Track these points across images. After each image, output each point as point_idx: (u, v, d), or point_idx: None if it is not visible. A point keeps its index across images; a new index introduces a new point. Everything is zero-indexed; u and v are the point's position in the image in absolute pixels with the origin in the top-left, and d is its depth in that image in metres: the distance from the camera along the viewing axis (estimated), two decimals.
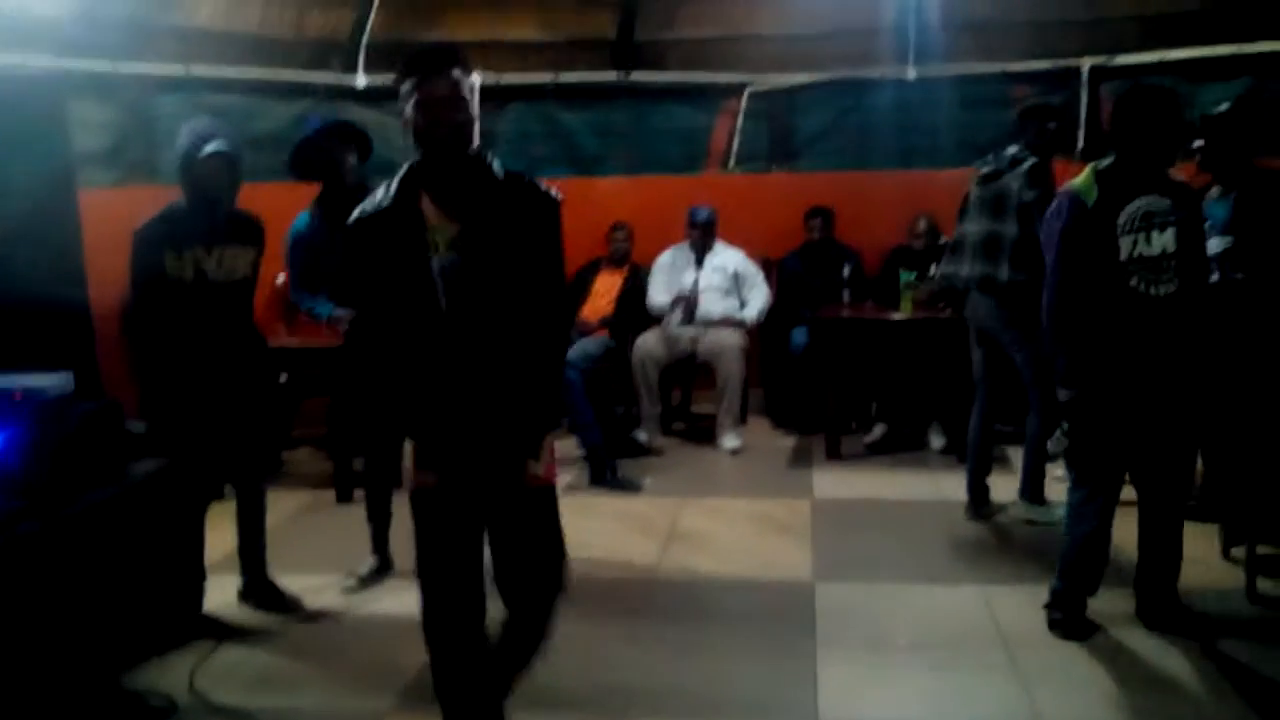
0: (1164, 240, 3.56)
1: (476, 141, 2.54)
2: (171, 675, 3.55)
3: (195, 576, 4.00)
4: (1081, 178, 3.67)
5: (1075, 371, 3.69)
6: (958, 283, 5.15)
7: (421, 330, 2.52)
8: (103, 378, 3.98)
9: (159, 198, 3.93)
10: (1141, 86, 3.82)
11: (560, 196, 2.60)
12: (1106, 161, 3.67)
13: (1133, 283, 3.57)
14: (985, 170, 5.07)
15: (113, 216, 4.23)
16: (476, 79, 2.53)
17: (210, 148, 3.80)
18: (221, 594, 4.14)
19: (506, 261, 2.51)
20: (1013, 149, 4.99)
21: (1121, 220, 3.57)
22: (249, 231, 4.01)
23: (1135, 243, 3.56)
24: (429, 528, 2.64)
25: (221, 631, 3.93)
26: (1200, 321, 3.67)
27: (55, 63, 6.21)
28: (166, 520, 3.58)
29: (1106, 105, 7.45)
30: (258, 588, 4.17)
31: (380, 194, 2.56)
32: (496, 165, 2.57)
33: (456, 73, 2.47)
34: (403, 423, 2.61)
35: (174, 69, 7.07)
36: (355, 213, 2.59)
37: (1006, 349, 4.93)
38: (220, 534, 4.18)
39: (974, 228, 5.05)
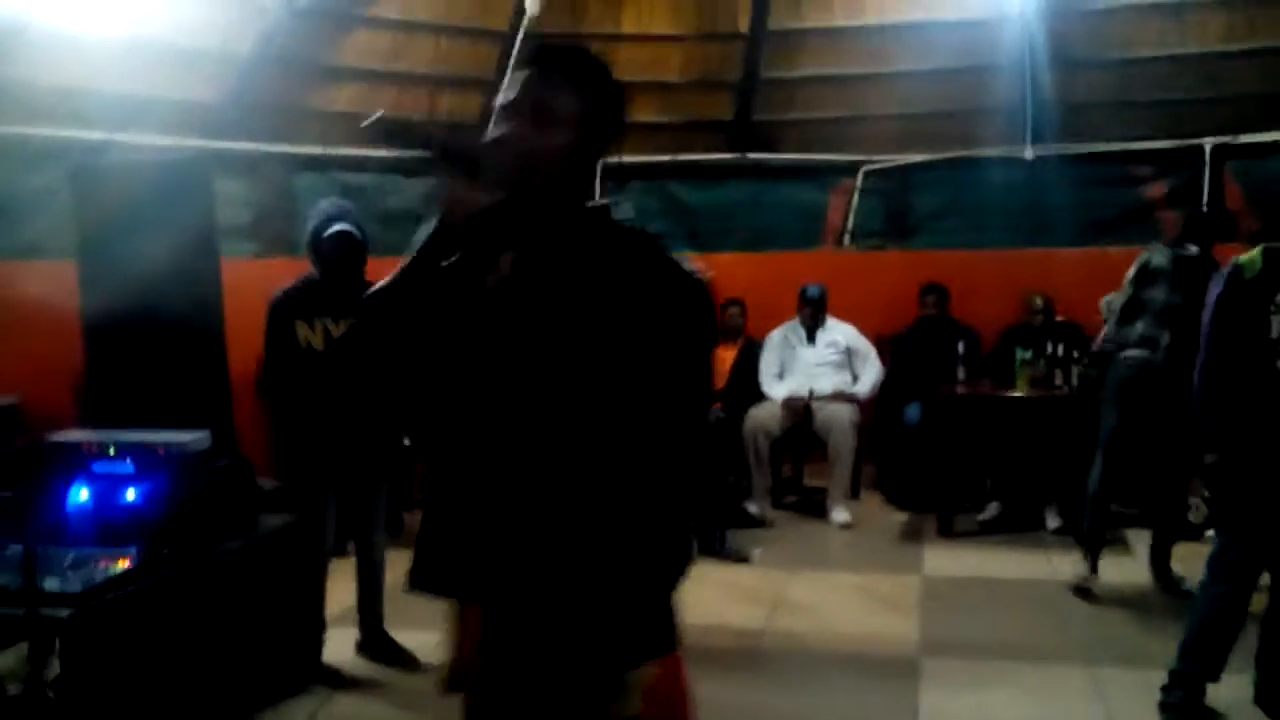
0: None
1: (582, 182, 1.76)
2: None
3: (315, 627, 4.17)
4: (1252, 252, 3.67)
5: (1219, 437, 3.67)
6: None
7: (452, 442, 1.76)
8: (237, 437, 4.20)
9: (294, 269, 4.18)
10: None
11: (708, 275, 1.83)
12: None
13: (1278, 364, 3.54)
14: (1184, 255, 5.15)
15: (251, 287, 4.50)
16: (590, 96, 1.72)
17: (335, 228, 4.05)
18: (340, 646, 4.30)
19: (594, 358, 1.64)
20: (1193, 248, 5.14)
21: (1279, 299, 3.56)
22: None
23: None
24: None
25: (339, 681, 4.09)
26: None
27: (206, 144, 6.63)
28: (291, 572, 3.77)
29: (1230, 184, 7.35)
30: (375, 641, 4.33)
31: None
32: (624, 214, 1.81)
33: (540, 73, 1.69)
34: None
35: (313, 149, 7.47)
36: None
37: None
38: (340, 589, 4.36)
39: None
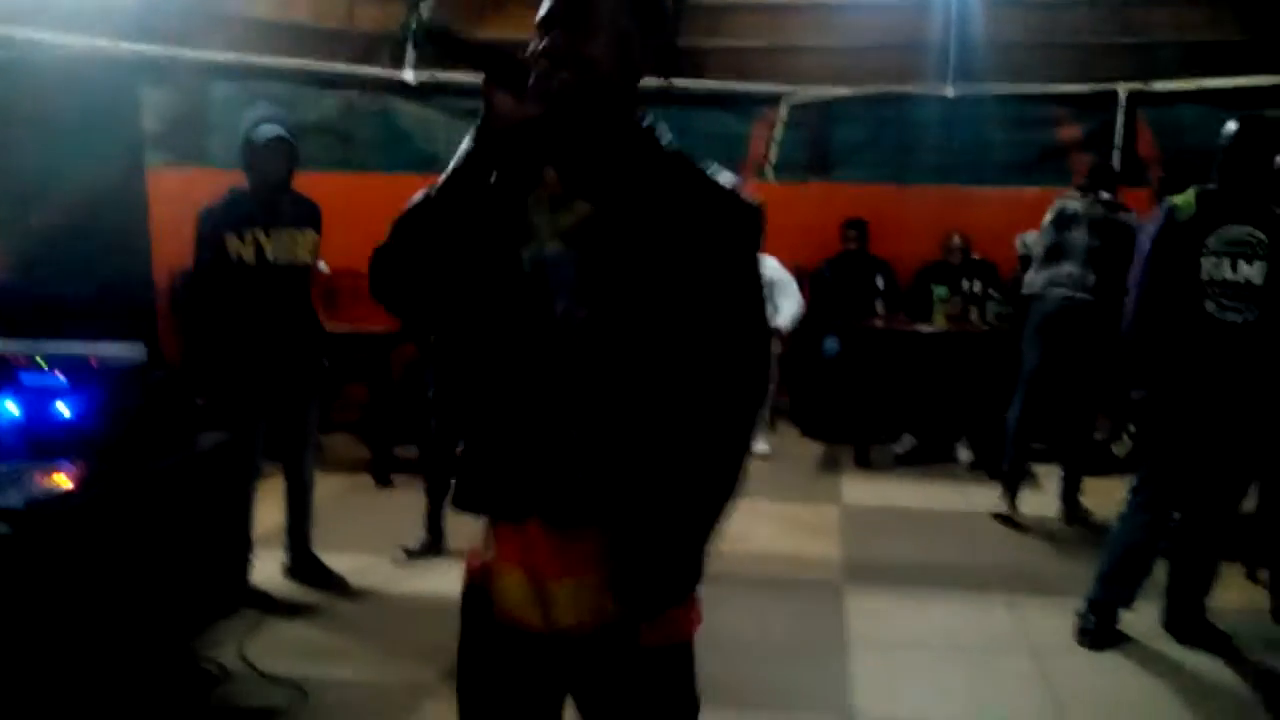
0: (1251, 271, 3.62)
1: (632, 97, 1.69)
2: (221, 644, 3.65)
3: (243, 549, 4.10)
4: (1186, 194, 3.74)
5: (1148, 374, 3.78)
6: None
7: (491, 360, 1.71)
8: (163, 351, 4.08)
9: (217, 180, 4.04)
10: (1256, 119, 3.85)
11: (760, 203, 1.72)
12: (1213, 185, 3.72)
13: (1207, 306, 3.64)
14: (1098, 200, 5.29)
15: (167, 195, 4.35)
16: (632, 3, 1.67)
17: (269, 131, 3.92)
18: (267, 569, 4.24)
19: (655, 277, 1.62)
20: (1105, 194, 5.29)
21: (1210, 241, 3.64)
22: (309, 215, 4.11)
23: (1218, 266, 3.63)
24: (488, 657, 1.77)
25: (268, 604, 4.03)
26: (1275, 355, 3.70)
27: (115, 44, 6.32)
28: (225, 491, 3.68)
29: (1143, 130, 7.53)
30: (304, 564, 4.27)
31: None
32: (666, 138, 1.72)
33: None
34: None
35: (229, 56, 7.18)
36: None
37: None
38: (265, 511, 4.28)
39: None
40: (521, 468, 1.67)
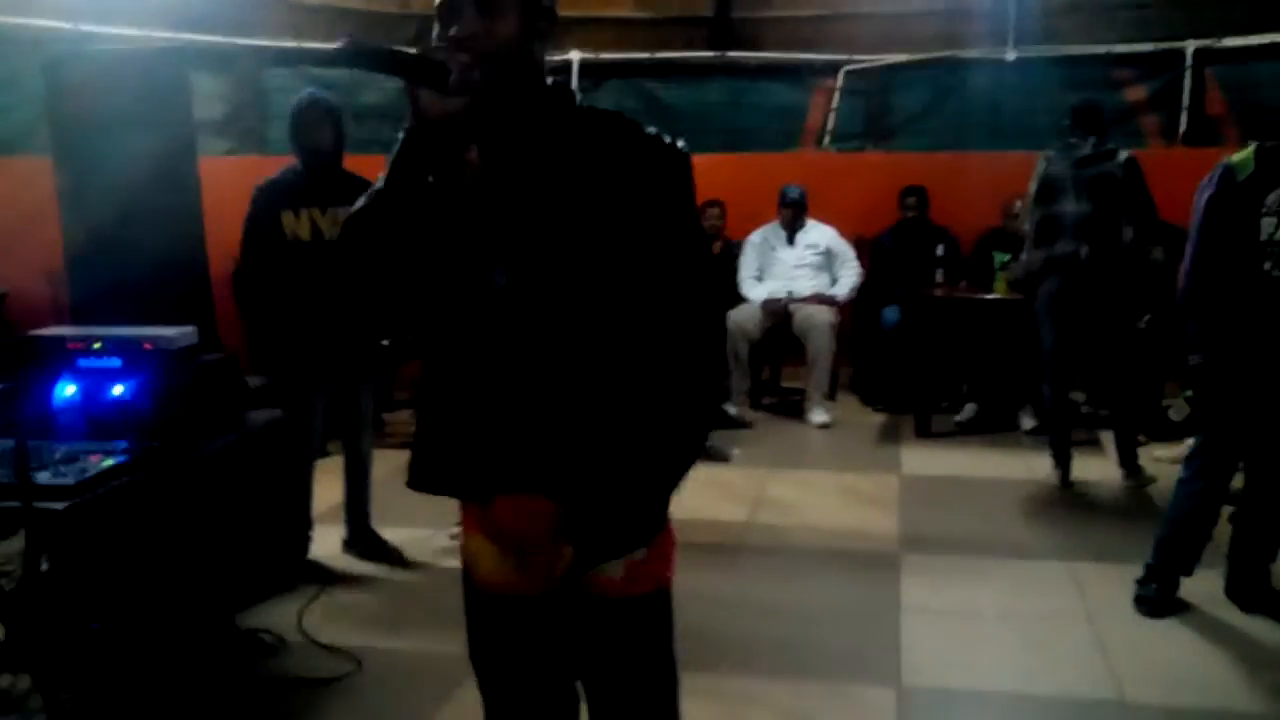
0: None
1: (538, 68, 1.70)
2: (280, 616, 3.74)
3: (303, 525, 4.19)
4: (1244, 153, 3.63)
5: (1205, 338, 3.69)
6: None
7: (444, 341, 1.76)
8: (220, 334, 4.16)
9: (268, 166, 4.12)
10: None
11: (686, 149, 1.71)
12: (1272, 142, 3.60)
13: (1266, 266, 3.54)
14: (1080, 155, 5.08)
15: (226, 183, 4.43)
16: None
17: (306, 96, 4.05)
18: (327, 543, 4.33)
19: (577, 232, 1.63)
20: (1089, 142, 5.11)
21: (1270, 200, 3.53)
22: (361, 195, 4.15)
23: (1278, 226, 3.53)
24: (482, 623, 1.87)
25: (327, 577, 4.12)
26: None
27: (175, 36, 6.46)
28: (279, 469, 3.77)
29: (1212, 88, 7.33)
30: (361, 538, 4.36)
31: None
32: (578, 98, 1.75)
33: None
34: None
35: (284, 43, 7.29)
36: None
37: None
38: (326, 488, 4.37)
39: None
40: (475, 445, 1.70)
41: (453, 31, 1.61)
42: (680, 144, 1.69)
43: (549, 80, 1.71)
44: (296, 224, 3.99)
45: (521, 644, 1.82)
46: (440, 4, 1.64)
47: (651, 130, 1.68)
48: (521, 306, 1.64)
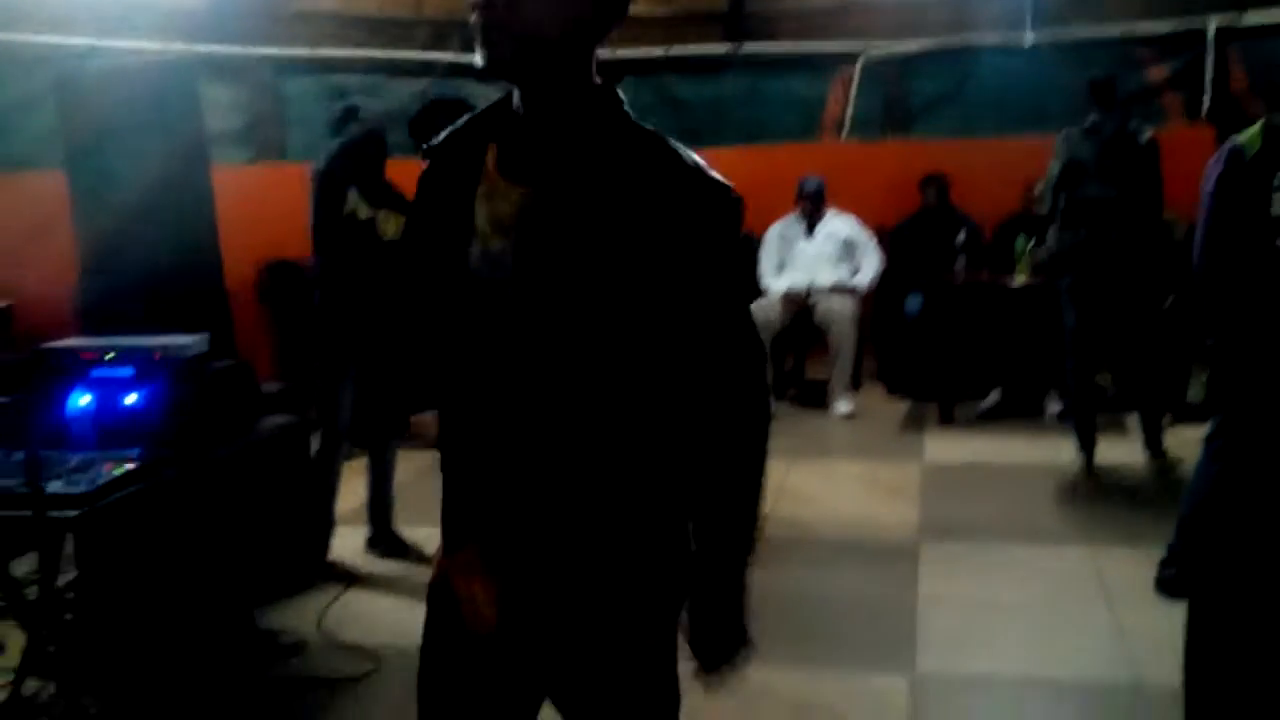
0: None
1: (585, 65, 1.46)
2: (300, 616, 3.78)
3: (324, 525, 4.23)
4: (1251, 131, 3.58)
5: (1220, 319, 3.67)
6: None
7: (455, 371, 1.55)
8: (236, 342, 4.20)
9: (287, 174, 4.16)
10: None
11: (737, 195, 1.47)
12: None
13: (1278, 242, 3.50)
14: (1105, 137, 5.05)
15: (244, 192, 4.48)
16: None
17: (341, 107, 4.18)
18: (350, 544, 4.37)
19: (605, 274, 1.40)
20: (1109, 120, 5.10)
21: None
22: (399, 201, 4.18)
23: None
24: (440, 675, 1.68)
25: (348, 578, 4.15)
26: None
27: (189, 48, 6.53)
28: (292, 472, 3.81)
29: (1235, 67, 7.23)
30: (384, 538, 4.40)
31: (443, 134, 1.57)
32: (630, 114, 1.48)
33: None
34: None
35: (300, 51, 7.35)
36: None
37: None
38: (350, 489, 4.42)
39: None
40: (481, 495, 1.57)
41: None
42: (731, 189, 1.45)
43: (604, 86, 1.46)
44: (361, 204, 4.04)
45: (488, 684, 1.63)
46: None
47: (694, 161, 1.44)
48: (548, 361, 1.44)
